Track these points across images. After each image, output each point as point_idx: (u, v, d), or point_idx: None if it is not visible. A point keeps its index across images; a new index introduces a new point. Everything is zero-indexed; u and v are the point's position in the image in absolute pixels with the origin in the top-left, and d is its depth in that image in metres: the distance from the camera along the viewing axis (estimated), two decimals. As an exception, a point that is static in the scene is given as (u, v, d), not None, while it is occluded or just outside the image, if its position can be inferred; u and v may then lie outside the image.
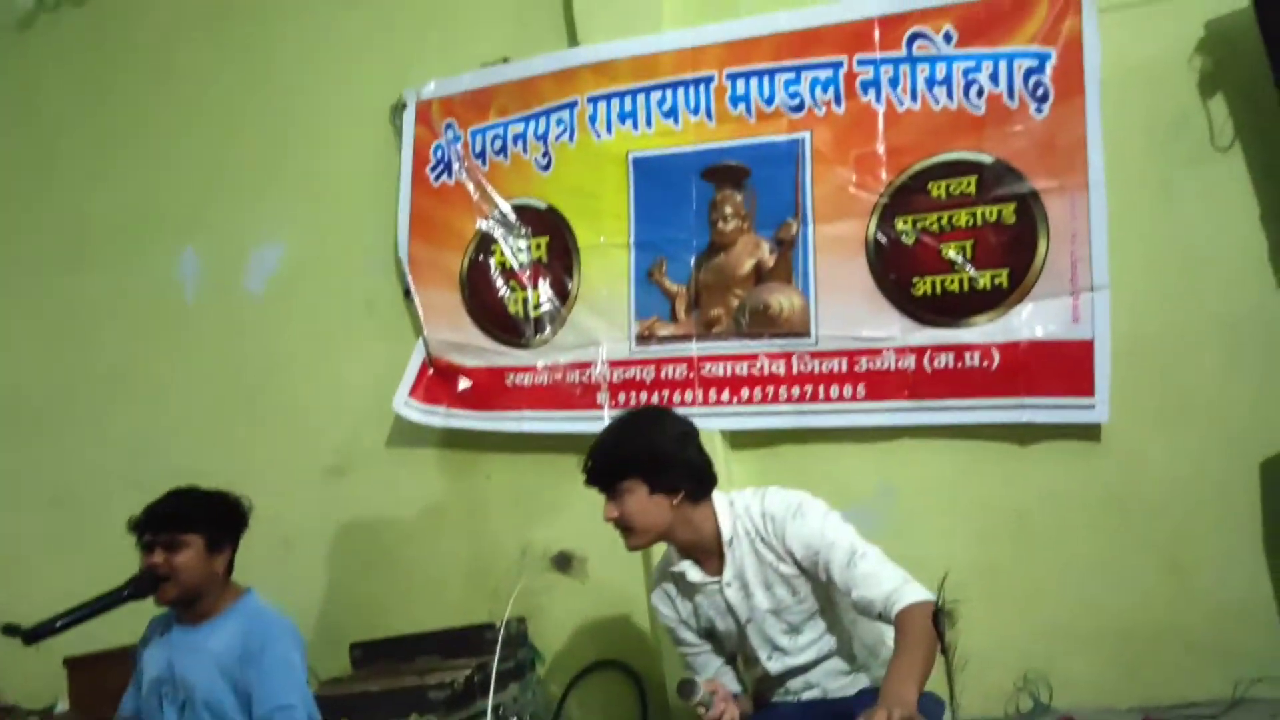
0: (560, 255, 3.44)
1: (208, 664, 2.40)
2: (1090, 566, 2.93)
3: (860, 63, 3.09)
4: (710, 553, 2.31)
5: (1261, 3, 2.68)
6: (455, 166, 3.57)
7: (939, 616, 1.97)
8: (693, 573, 2.33)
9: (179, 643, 2.47)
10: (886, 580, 2.11)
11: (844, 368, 3.08)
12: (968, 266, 2.98)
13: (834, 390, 3.08)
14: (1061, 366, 2.88)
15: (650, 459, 2.24)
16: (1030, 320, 2.93)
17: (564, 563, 3.17)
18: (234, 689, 2.38)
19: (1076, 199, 2.88)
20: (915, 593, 2.07)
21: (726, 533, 2.27)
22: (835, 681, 2.32)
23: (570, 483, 3.32)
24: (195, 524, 2.43)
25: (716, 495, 2.32)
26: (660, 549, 2.42)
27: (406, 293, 3.62)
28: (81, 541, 3.92)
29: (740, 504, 2.31)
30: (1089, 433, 2.92)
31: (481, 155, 3.55)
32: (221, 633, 2.43)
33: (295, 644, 2.46)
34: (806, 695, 2.35)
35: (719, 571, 2.30)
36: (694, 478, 2.29)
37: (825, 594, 2.24)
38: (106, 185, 4.14)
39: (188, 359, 3.98)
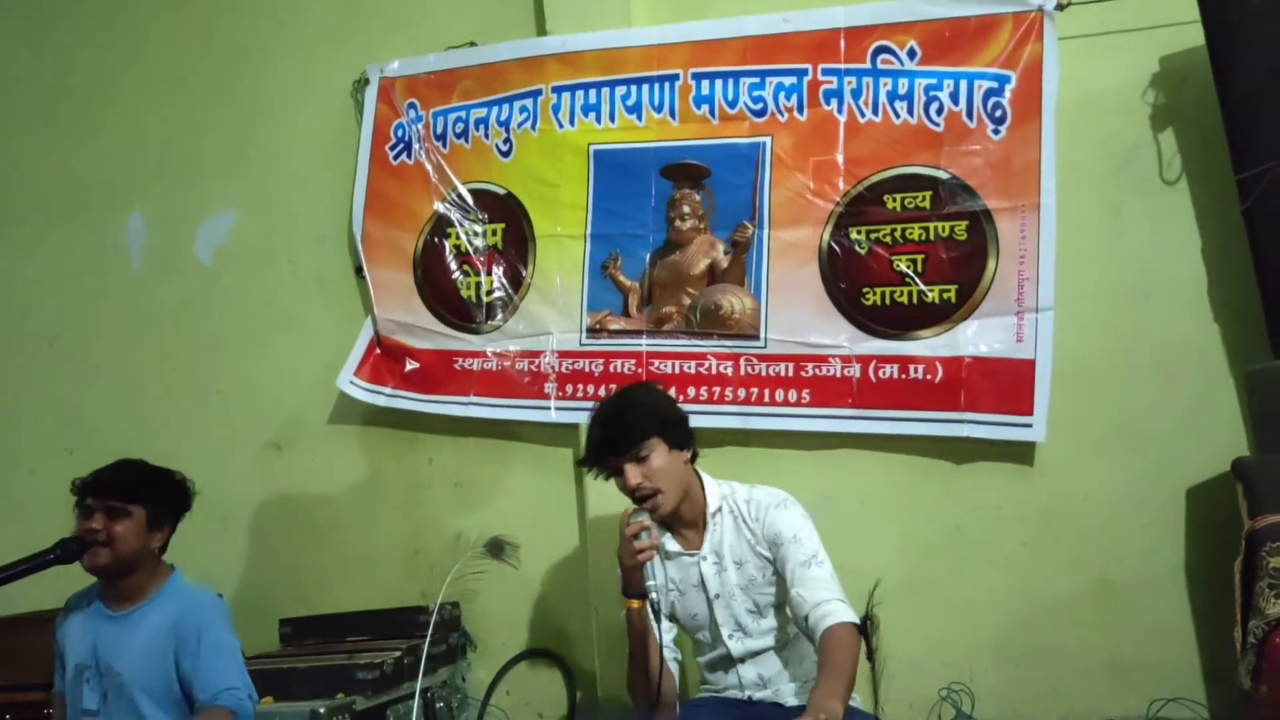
0: (516, 242, 3.43)
1: (137, 652, 2.39)
2: (1021, 583, 2.98)
3: (825, 72, 3.11)
4: (691, 525, 2.43)
5: (1214, 41, 2.75)
6: (415, 146, 3.55)
7: (867, 625, 2.09)
8: (671, 544, 2.44)
9: (105, 628, 2.45)
10: (825, 590, 2.21)
11: (790, 372, 3.11)
12: (917, 280, 3.02)
13: (779, 394, 3.11)
14: (1003, 385, 2.93)
15: (663, 415, 2.37)
16: (975, 337, 2.97)
17: (496, 549, 3.16)
18: (165, 676, 2.38)
19: (1027, 220, 2.93)
20: (845, 613, 2.16)
21: (713, 503, 2.40)
22: (788, 685, 2.40)
23: (511, 470, 3.47)
24: (141, 495, 2.43)
25: (701, 471, 2.45)
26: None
27: (358, 270, 3.60)
28: (5, 507, 3.87)
29: (726, 486, 2.45)
30: (1025, 451, 2.98)
31: (442, 137, 3.52)
32: (151, 619, 2.42)
33: (227, 623, 2.46)
34: (758, 695, 2.42)
35: (696, 546, 2.41)
36: (693, 437, 2.44)
37: (785, 592, 2.31)
38: (55, 144, 4.06)
39: (129, 326, 3.91)
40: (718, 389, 3.17)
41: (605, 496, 3.17)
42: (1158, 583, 2.89)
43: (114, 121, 4.00)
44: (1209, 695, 2.82)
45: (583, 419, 3.21)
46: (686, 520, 2.43)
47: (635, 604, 2.31)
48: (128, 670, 2.38)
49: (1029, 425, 2.90)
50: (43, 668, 2.67)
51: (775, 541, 2.32)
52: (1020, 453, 2.98)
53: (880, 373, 3.04)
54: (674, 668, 2.44)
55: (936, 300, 3.01)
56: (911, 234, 3.04)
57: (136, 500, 2.42)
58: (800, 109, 3.14)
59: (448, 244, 3.51)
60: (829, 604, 2.17)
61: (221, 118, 3.87)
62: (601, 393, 3.22)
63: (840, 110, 3.11)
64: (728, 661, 2.44)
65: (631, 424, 2.33)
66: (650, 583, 2.24)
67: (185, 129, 3.91)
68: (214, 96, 3.89)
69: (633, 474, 2.31)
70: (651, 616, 2.26)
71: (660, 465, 2.32)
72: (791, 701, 2.36)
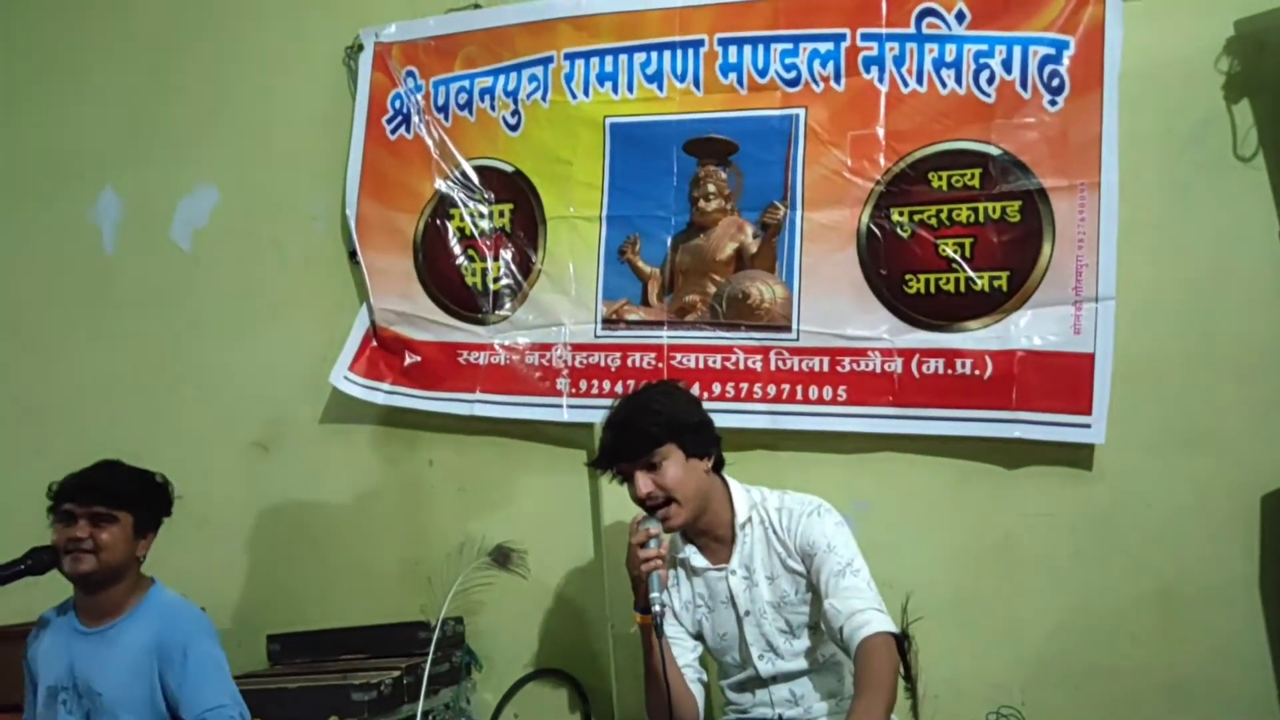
0: (525, 225, 3.37)
1: (118, 669, 2.37)
2: (1076, 597, 2.94)
3: (864, 37, 3.04)
4: (719, 539, 2.41)
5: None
6: (414, 119, 3.48)
7: (903, 642, 2.04)
8: (697, 558, 2.42)
9: (81, 646, 2.42)
10: (860, 600, 2.18)
11: (825, 367, 3.06)
12: (965, 266, 2.96)
13: (813, 391, 3.06)
14: (1059, 381, 2.87)
15: (681, 421, 2.33)
16: (1028, 329, 2.91)
17: (502, 558, 3.12)
18: (149, 695, 2.35)
19: (1086, 200, 2.87)
20: (882, 623, 2.14)
21: (742, 514, 2.38)
22: (820, 704, 2.38)
23: (520, 473, 3.40)
24: (128, 500, 2.42)
25: (729, 478, 2.42)
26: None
27: (352, 255, 3.54)
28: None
29: (756, 493, 2.42)
30: (1082, 454, 2.93)
31: (444, 109, 3.46)
32: (132, 633, 2.40)
33: (213, 638, 2.45)
34: (789, 713, 2.39)
35: (725, 560, 2.39)
36: (717, 443, 2.41)
37: (820, 609, 2.29)
38: (17, 116, 3.99)
39: (103, 315, 3.85)
40: (745, 385, 3.13)
41: (622, 502, 3.10)
42: (1226, 597, 2.84)
43: (85, 90, 3.93)
44: (1284, 721, 2.76)
45: (597, 418, 3.19)
46: (712, 533, 2.41)
47: (641, 618, 2.31)
48: (109, 691, 2.36)
49: (1087, 426, 2.85)
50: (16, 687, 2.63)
51: (808, 553, 2.30)
52: (1077, 456, 2.93)
53: (924, 368, 2.99)
54: (698, 690, 2.43)
55: (986, 288, 2.96)
56: (959, 215, 2.99)
57: (123, 505, 2.41)
58: (837, 78, 3.08)
59: (450, 226, 3.46)
60: (864, 613, 2.15)
61: (202, 86, 3.80)
62: (619, 389, 3.18)
63: (881, 79, 3.05)
64: (757, 682, 2.42)
65: (644, 429, 2.31)
66: (654, 594, 2.22)
67: (162, 98, 3.84)
68: (194, 63, 3.82)
69: (643, 483, 2.31)
70: (654, 632, 2.25)
71: (675, 475, 2.30)
72: (820, 710, 2.36)
